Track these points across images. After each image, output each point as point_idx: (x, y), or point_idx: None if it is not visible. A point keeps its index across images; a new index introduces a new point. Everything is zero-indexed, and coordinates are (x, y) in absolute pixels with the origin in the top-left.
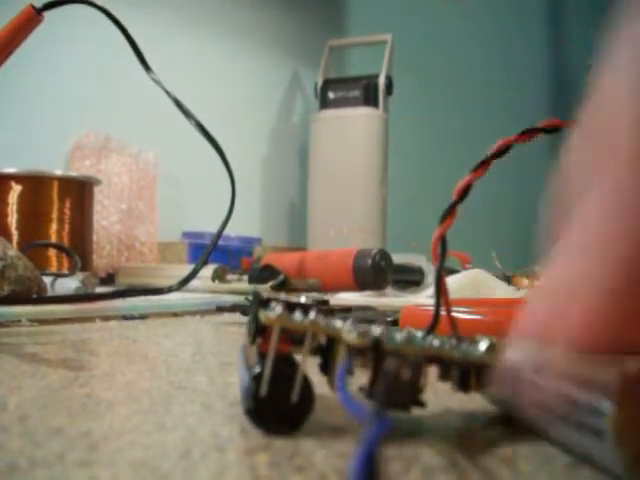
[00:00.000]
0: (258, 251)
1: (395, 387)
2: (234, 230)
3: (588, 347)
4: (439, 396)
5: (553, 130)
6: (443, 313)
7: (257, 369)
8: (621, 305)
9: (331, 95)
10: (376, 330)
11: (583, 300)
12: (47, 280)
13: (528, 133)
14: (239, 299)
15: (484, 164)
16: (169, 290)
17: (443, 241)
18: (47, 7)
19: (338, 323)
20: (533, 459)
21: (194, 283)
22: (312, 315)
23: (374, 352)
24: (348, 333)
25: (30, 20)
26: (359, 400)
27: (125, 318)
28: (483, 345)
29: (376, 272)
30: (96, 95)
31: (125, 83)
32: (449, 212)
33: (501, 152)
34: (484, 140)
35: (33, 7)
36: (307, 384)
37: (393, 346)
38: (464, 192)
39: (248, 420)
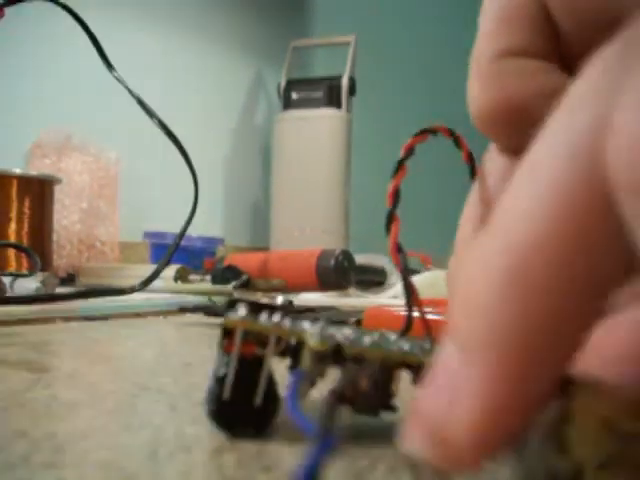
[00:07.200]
0: (221, 251)
1: (356, 394)
2: (196, 230)
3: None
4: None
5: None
6: (411, 314)
7: (221, 371)
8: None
9: (294, 95)
10: (344, 333)
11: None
12: (6, 280)
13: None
14: (202, 299)
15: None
16: (132, 290)
17: (399, 248)
18: (8, 3)
19: (305, 325)
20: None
21: (157, 283)
22: (276, 317)
23: (334, 358)
24: (310, 337)
25: None
26: (308, 415)
27: (87, 319)
28: None
29: (339, 272)
30: (56, 93)
31: (87, 81)
32: (390, 219)
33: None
34: (449, 140)
35: None
36: (272, 386)
37: (357, 351)
38: (396, 196)
39: (211, 423)
